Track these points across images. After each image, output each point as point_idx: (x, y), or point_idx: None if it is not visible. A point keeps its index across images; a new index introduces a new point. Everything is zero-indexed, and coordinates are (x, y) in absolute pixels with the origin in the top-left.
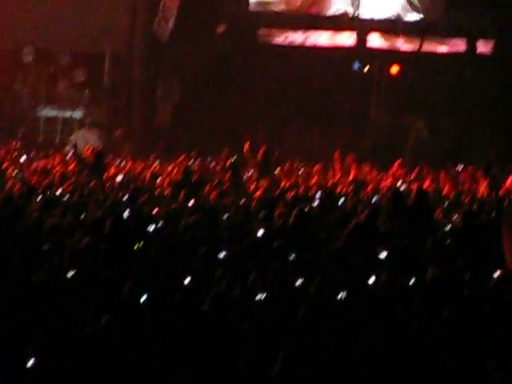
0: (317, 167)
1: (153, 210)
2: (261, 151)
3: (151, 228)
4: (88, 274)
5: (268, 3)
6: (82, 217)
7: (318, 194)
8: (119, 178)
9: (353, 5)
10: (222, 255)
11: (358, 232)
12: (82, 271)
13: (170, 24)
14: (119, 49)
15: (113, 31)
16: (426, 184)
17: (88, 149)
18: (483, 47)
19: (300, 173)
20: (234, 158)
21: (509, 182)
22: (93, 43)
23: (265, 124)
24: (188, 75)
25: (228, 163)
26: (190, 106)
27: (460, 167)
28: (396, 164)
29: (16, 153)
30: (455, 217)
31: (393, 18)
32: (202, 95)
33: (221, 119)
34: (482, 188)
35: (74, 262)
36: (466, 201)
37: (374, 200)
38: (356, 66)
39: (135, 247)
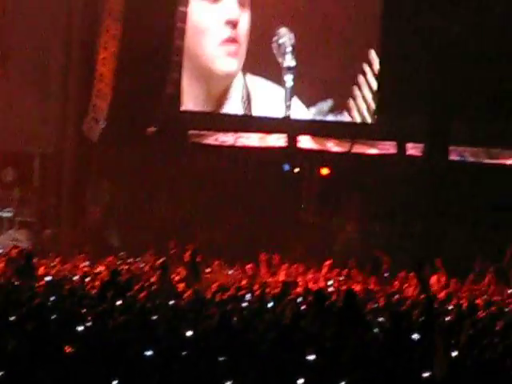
0: (247, 267)
1: (81, 310)
2: (188, 251)
3: (80, 328)
4: (15, 375)
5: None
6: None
7: (247, 296)
8: (48, 279)
9: (285, 106)
10: (150, 355)
11: (284, 334)
12: (9, 373)
13: (101, 124)
14: (50, 149)
15: (43, 131)
16: (356, 285)
17: (17, 249)
18: (413, 150)
19: (229, 273)
20: (163, 258)
21: (433, 281)
22: (23, 143)
23: (195, 224)
24: (118, 175)
25: (157, 263)
26: (120, 206)
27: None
28: (326, 265)
29: None
30: (383, 318)
31: (324, 119)
32: (132, 195)
33: (151, 219)
34: (412, 289)
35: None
36: (396, 302)
37: (299, 301)
38: (286, 167)
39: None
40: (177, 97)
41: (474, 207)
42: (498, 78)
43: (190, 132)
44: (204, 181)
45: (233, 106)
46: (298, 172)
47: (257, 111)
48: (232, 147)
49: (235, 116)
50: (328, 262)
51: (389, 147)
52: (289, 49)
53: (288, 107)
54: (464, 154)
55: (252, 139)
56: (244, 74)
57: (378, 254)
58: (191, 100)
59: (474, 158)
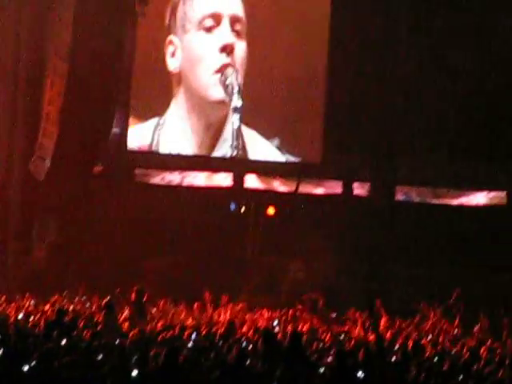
0: (194, 306)
1: (26, 349)
2: (134, 291)
3: (25, 368)
4: None
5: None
6: None
7: (193, 336)
8: None
9: (231, 146)
10: None
11: (229, 373)
12: None
13: (47, 163)
14: None
15: None
16: (302, 325)
17: None
18: (359, 189)
19: (175, 312)
20: (109, 297)
21: (382, 323)
22: None
23: (141, 263)
24: (65, 213)
25: (102, 303)
26: (66, 244)
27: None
28: (271, 304)
29: None
30: (329, 358)
31: (270, 159)
32: (78, 233)
33: (98, 258)
34: (358, 328)
35: None
36: (342, 342)
37: (246, 340)
38: (233, 206)
39: None
40: (124, 135)
41: (420, 247)
42: (443, 117)
43: (136, 171)
44: (151, 219)
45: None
46: (244, 211)
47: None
48: (178, 186)
49: (182, 155)
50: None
51: (335, 186)
52: (236, 89)
53: (235, 147)
54: (410, 194)
55: (199, 178)
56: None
57: (314, 295)
58: (188, 137)
59: (420, 198)
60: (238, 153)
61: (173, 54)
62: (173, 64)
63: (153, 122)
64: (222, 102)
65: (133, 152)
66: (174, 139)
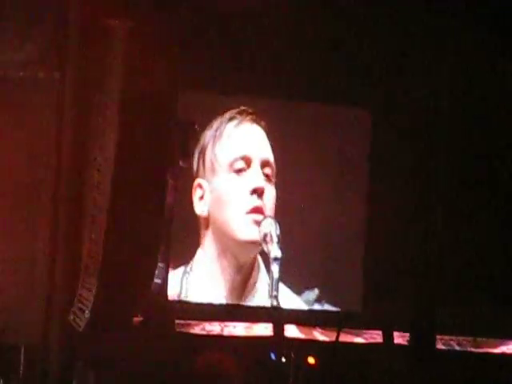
0: None
1: None
2: None
3: None
4: None
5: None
6: None
7: None
8: None
9: (270, 296)
10: None
11: None
12: None
13: (86, 314)
14: (34, 339)
15: (27, 321)
16: None
17: None
18: (399, 338)
19: None
20: None
21: None
22: (5, 333)
23: None
24: (105, 366)
25: None
26: None
27: None
28: None
29: None
30: None
31: (310, 309)
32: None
33: None
34: None
35: None
36: None
37: None
38: (273, 355)
39: None
40: (164, 286)
41: None
42: (484, 266)
43: (177, 321)
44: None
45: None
46: (285, 361)
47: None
48: (218, 336)
49: (222, 305)
50: None
51: (375, 336)
52: (275, 239)
53: (275, 297)
54: (450, 343)
55: (238, 328)
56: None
57: None
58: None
59: (460, 347)
60: (275, 303)
61: (201, 198)
62: (201, 207)
63: (180, 270)
64: (253, 243)
65: (173, 302)
66: (202, 285)
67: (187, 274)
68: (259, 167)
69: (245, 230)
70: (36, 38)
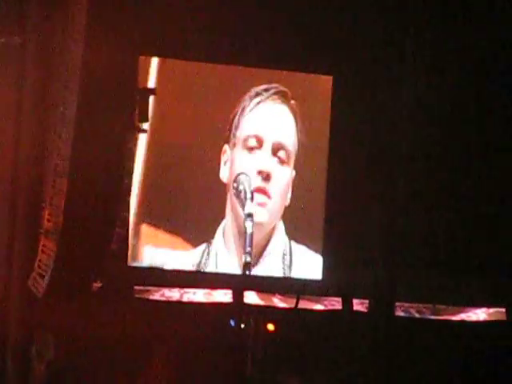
0: None
1: None
2: None
3: None
4: None
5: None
6: None
7: None
8: None
9: (244, 252)
10: None
11: None
12: None
13: (46, 279)
14: None
15: None
16: None
17: None
18: (358, 305)
19: None
20: None
21: None
22: None
23: (139, 380)
24: (63, 331)
25: None
26: (65, 361)
27: None
28: None
29: None
30: None
31: (270, 276)
32: (77, 351)
33: (96, 376)
34: None
35: None
36: None
37: None
38: (233, 322)
39: None
40: (124, 252)
41: (418, 365)
42: (443, 233)
43: (136, 287)
44: (149, 335)
45: (271, 265)
46: (245, 327)
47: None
48: (177, 302)
49: (182, 271)
50: None
51: (334, 303)
52: (248, 195)
53: (249, 254)
54: (410, 311)
55: (198, 295)
56: (289, 239)
57: None
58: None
59: (420, 315)
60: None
61: (225, 163)
62: (223, 173)
63: (202, 247)
64: (260, 224)
65: (132, 268)
66: (221, 259)
67: (207, 249)
68: (270, 149)
69: (248, 207)
70: None
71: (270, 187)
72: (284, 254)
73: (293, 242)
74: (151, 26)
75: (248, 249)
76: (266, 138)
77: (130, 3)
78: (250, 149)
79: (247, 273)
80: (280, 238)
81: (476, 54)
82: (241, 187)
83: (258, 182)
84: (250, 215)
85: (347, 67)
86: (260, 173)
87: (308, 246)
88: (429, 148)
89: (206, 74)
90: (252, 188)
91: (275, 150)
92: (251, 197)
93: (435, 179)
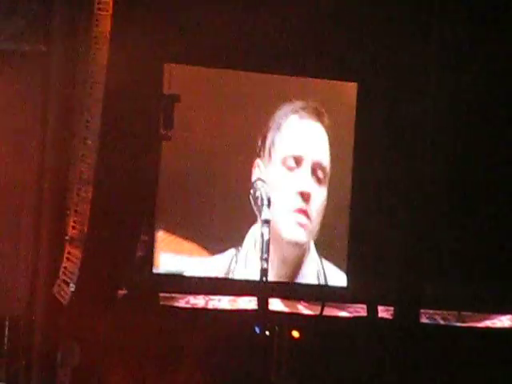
0: None
1: None
2: None
3: None
4: None
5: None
6: None
7: None
8: None
9: (261, 258)
10: None
11: None
12: None
13: (71, 286)
14: (19, 311)
15: (11, 293)
16: None
17: None
18: (383, 312)
19: None
20: None
21: None
22: None
23: None
24: (89, 338)
25: None
26: (90, 368)
27: None
28: None
29: None
30: None
31: (295, 283)
32: (102, 358)
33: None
34: None
35: None
36: None
37: None
38: (258, 329)
39: None
40: (149, 259)
41: (443, 372)
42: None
43: (161, 294)
44: (174, 343)
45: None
46: (269, 335)
47: None
48: (203, 310)
49: (206, 278)
50: None
51: (359, 310)
52: (265, 201)
53: (265, 260)
54: (435, 317)
55: (223, 302)
56: (320, 258)
57: None
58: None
59: (445, 322)
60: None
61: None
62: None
63: (231, 252)
64: (297, 244)
65: (157, 275)
66: (249, 270)
67: (235, 258)
68: (310, 169)
69: (289, 229)
70: (23, 11)
71: (310, 208)
72: (318, 274)
73: (323, 260)
74: (176, 33)
75: (265, 255)
76: (306, 157)
77: (156, 11)
78: (290, 168)
79: (264, 279)
80: (313, 256)
81: (501, 63)
82: (258, 193)
83: (298, 202)
84: (266, 221)
85: (372, 74)
86: (301, 194)
87: (335, 262)
88: (455, 156)
89: (231, 82)
90: (292, 208)
91: (314, 169)
92: (268, 203)
93: (460, 189)
